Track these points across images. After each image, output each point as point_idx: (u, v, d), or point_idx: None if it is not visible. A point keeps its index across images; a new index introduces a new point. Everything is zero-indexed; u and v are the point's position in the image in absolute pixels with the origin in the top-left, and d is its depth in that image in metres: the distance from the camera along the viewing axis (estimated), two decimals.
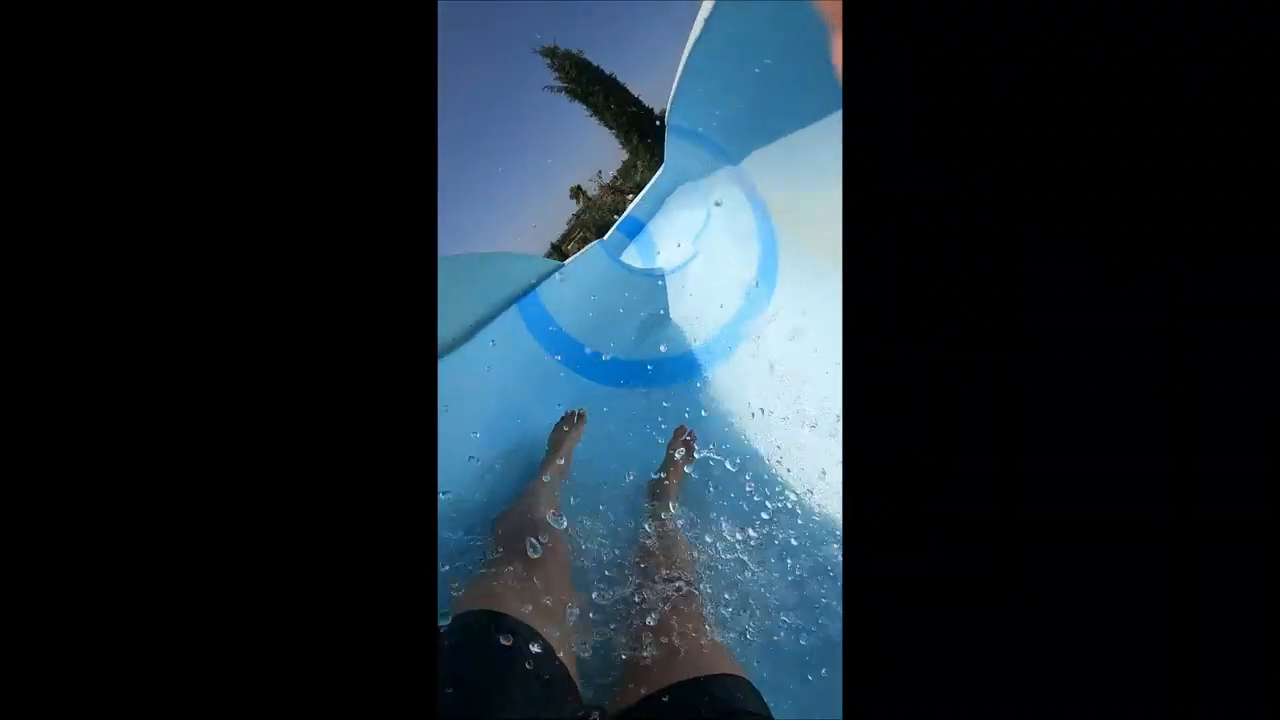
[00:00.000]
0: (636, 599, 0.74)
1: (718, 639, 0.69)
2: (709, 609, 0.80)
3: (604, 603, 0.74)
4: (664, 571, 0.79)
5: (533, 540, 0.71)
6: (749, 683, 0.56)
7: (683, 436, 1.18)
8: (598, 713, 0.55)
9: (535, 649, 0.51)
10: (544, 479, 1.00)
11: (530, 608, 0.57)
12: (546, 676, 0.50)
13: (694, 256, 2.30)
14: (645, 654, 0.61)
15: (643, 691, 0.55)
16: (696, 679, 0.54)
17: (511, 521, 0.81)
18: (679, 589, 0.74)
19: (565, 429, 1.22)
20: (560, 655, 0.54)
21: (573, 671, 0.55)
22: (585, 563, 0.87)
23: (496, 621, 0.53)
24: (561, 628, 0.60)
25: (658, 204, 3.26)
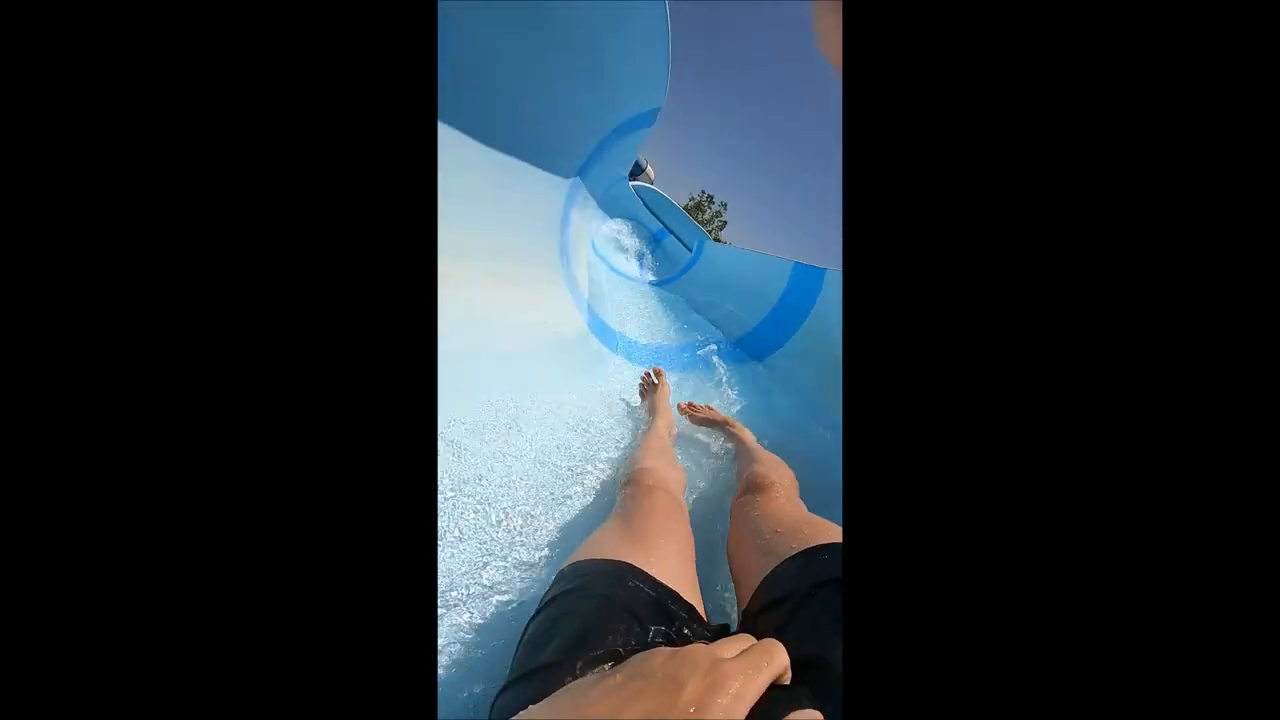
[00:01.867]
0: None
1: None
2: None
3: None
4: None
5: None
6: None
7: (690, 411, 1.28)
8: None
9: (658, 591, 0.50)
10: (655, 437, 1.02)
11: (654, 558, 0.55)
12: (673, 607, 0.48)
13: None
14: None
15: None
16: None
17: (638, 480, 0.78)
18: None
19: (652, 388, 1.31)
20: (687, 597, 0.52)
21: (700, 608, 0.53)
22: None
23: (621, 570, 0.51)
24: (685, 576, 0.57)
25: None
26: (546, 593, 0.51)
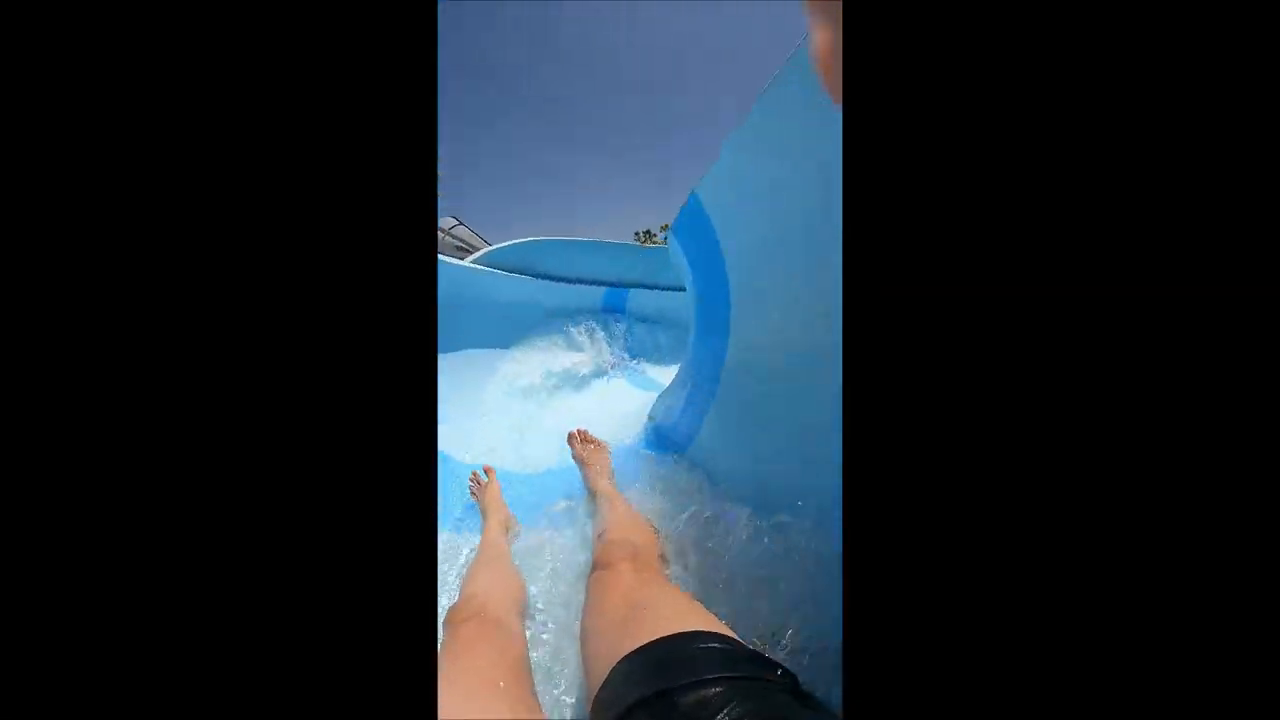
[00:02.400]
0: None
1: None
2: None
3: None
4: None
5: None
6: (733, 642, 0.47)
7: (576, 438, 1.27)
8: None
9: None
10: (485, 548, 0.94)
11: None
12: None
13: None
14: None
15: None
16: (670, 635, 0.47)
17: (448, 620, 0.67)
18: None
19: (480, 488, 1.19)
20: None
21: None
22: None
23: None
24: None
25: None
26: None
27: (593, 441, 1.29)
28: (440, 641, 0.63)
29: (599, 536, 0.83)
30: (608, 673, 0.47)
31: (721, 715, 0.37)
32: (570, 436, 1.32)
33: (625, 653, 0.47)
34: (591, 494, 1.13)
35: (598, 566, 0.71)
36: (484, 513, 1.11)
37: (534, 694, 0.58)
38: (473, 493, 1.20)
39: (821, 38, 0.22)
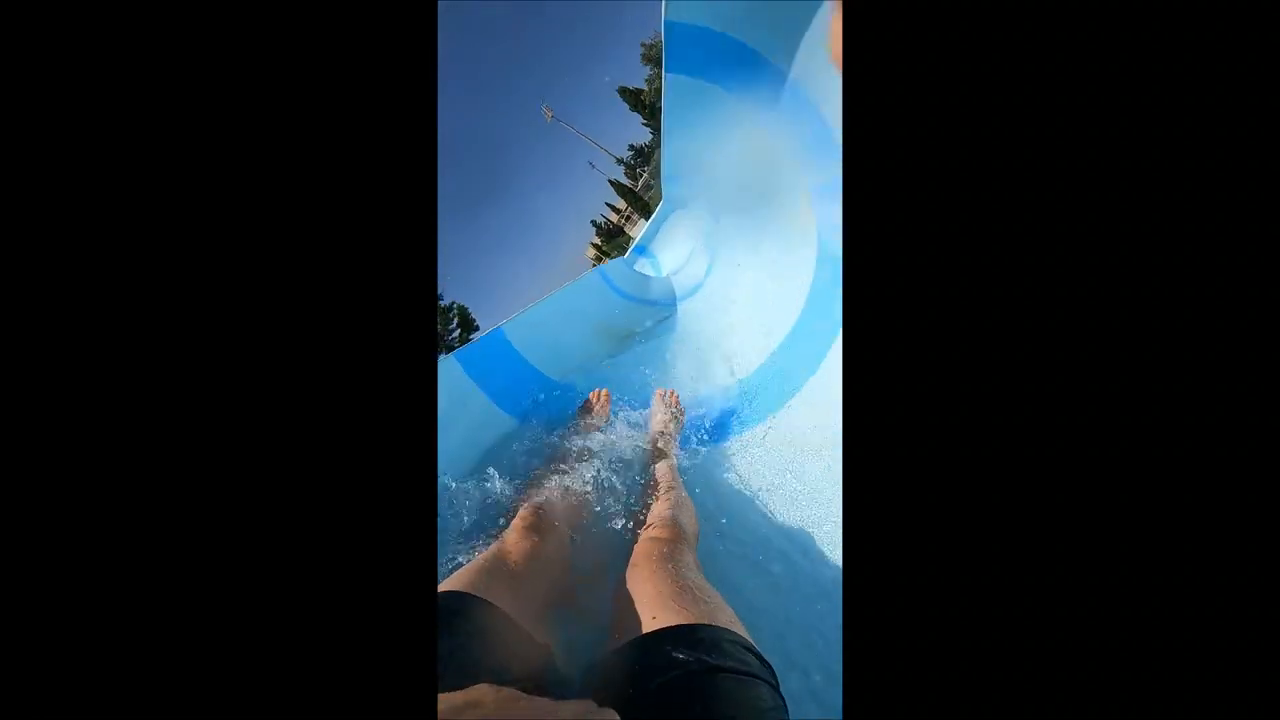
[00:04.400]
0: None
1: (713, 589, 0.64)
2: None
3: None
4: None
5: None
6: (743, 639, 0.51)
7: (666, 401, 1.26)
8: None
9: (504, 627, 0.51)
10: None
11: (512, 597, 0.56)
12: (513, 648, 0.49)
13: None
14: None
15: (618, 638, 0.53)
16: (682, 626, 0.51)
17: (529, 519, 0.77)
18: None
19: (589, 411, 1.27)
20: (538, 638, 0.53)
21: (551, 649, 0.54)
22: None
23: (463, 602, 0.52)
24: (541, 620, 0.59)
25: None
26: None
27: (678, 408, 1.29)
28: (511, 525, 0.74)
29: (654, 510, 0.87)
30: (646, 631, 0.52)
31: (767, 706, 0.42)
32: (659, 394, 1.31)
33: (669, 624, 0.52)
34: (652, 456, 1.13)
35: (655, 538, 0.74)
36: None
37: (568, 582, 0.69)
38: (578, 416, 1.28)
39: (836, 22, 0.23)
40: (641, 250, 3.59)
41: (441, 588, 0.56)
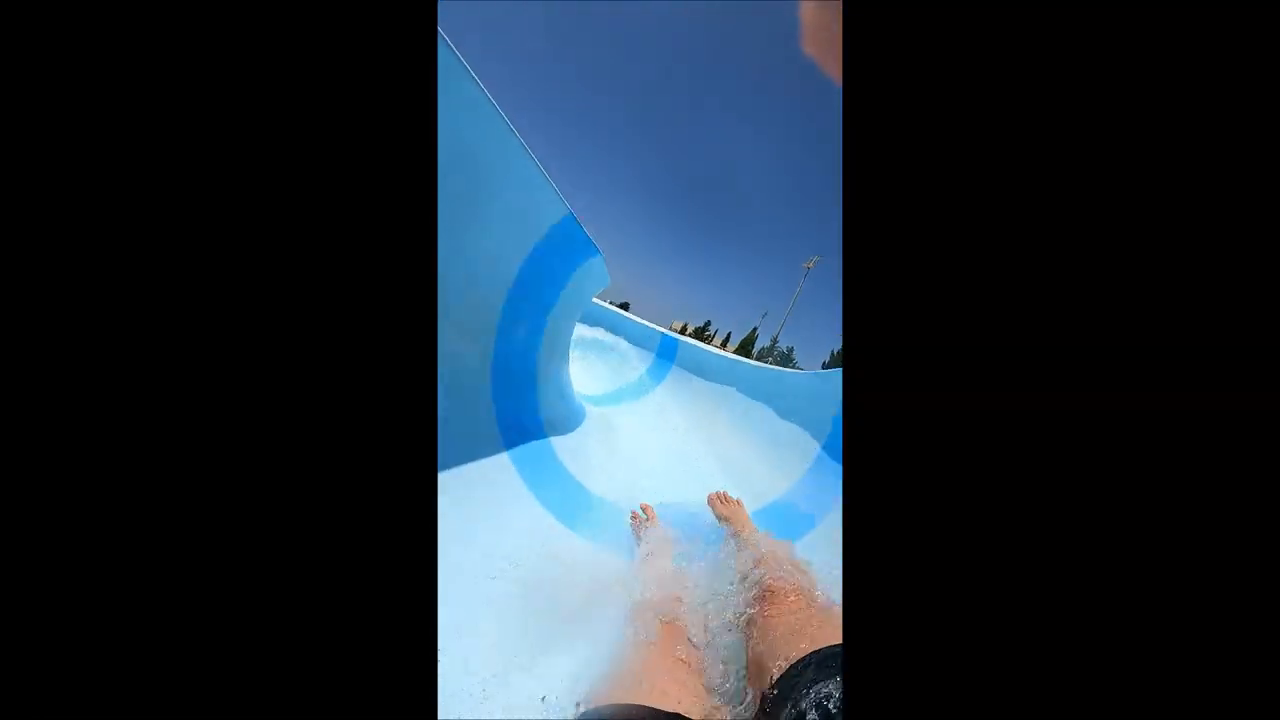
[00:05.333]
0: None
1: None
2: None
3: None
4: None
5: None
6: None
7: (716, 499, 1.27)
8: None
9: None
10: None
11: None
12: None
13: None
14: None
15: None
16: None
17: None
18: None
19: (640, 524, 1.22)
20: None
21: None
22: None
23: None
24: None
25: None
26: None
27: (732, 501, 1.32)
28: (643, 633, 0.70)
29: (762, 575, 0.84)
30: (788, 666, 0.51)
31: None
32: (710, 499, 1.33)
33: (804, 653, 0.51)
34: (740, 543, 1.10)
35: (770, 595, 0.74)
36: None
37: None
38: (635, 530, 1.21)
39: (809, 14, 0.24)
40: None
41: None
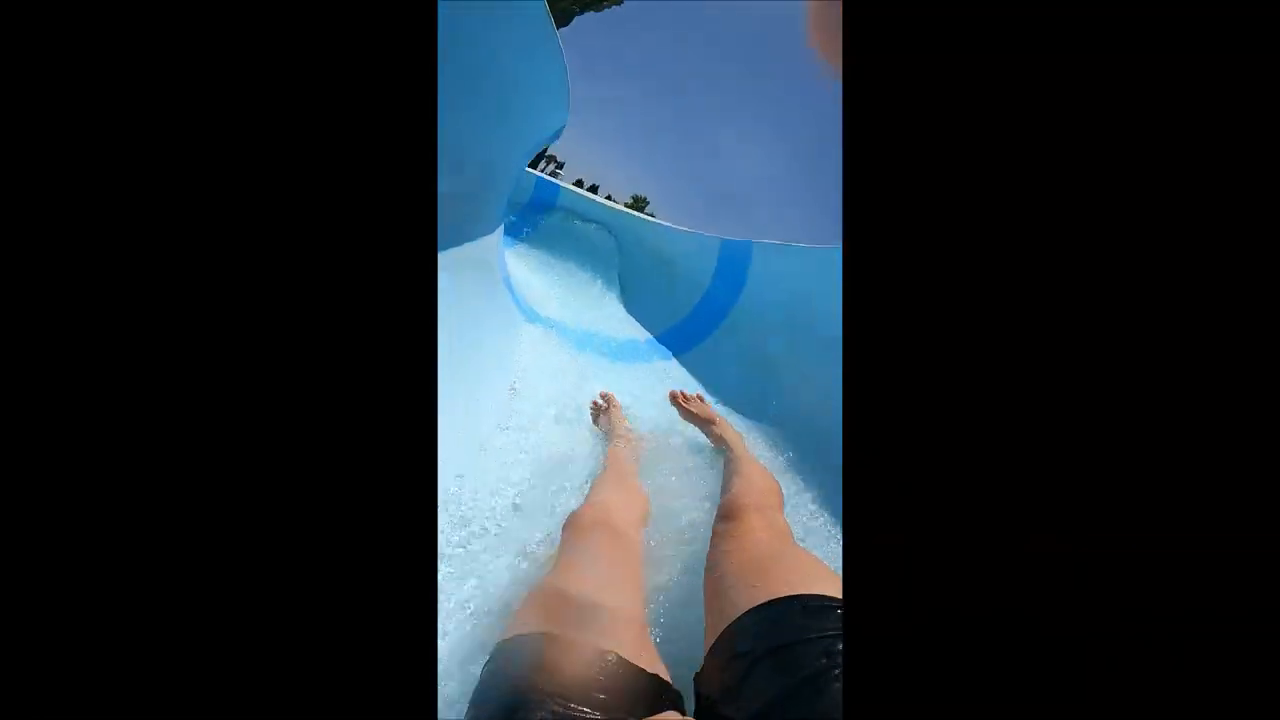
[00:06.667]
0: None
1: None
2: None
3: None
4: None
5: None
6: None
7: (681, 403, 1.27)
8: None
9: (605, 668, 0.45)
10: (611, 465, 0.94)
11: (601, 624, 0.50)
12: (602, 679, 0.44)
13: None
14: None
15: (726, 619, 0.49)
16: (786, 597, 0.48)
17: (575, 522, 0.70)
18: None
19: (603, 415, 1.23)
20: (639, 660, 0.48)
21: (655, 666, 0.49)
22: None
23: (539, 647, 0.46)
24: (635, 631, 0.53)
25: None
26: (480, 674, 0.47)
27: (694, 397, 1.30)
28: (561, 541, 0.68)
29: (725, 489, 0.83)
30: (735, 618, 0.50)
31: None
32: (673, 397, 1.30)
33: (754, 604, 0.49)
34: (716, 448, 1.12)
35: (727, 518, 0.71)
36: (607, 435, 1.16)
37: (644, 606, 0.62)
38: (595, 418, 1.24)
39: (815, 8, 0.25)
40: None
41: (508, 634, 0.49)
